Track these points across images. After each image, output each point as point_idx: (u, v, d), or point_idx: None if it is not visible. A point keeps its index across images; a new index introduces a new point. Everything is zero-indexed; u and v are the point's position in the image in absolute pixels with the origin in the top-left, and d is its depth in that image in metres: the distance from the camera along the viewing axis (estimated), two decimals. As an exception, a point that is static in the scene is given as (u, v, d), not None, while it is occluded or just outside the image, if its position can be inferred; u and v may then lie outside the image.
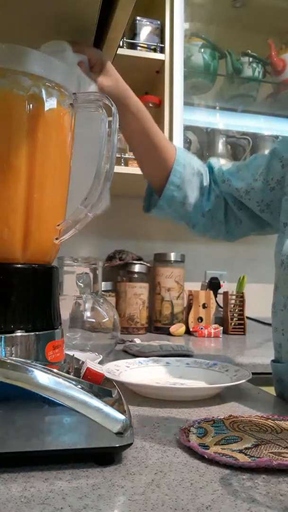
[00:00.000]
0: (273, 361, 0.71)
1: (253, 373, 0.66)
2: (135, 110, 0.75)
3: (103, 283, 1.49)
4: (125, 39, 1.41)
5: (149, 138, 0.77)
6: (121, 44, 1.37)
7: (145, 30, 1.45)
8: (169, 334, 1.47)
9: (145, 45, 1.44)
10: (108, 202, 0.60)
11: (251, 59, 1.61)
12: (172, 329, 1.47)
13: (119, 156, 1.39)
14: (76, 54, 0.61)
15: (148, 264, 1.55)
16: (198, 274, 1.72)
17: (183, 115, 1.41)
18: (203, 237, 0.88)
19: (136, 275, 1.50)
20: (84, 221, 0.45)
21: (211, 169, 0.84)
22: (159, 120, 1.46)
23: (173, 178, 0.78)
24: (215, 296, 1.61)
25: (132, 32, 1.46)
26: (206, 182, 0.82)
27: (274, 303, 0.68)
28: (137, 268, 1.51)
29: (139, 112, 0.76)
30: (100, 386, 0.42)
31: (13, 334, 0.41)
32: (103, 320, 0.92)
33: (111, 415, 0.38)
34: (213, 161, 0.85)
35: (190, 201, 0.80)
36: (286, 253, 0.65)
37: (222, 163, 0.88)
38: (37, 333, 0.42)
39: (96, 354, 0.77)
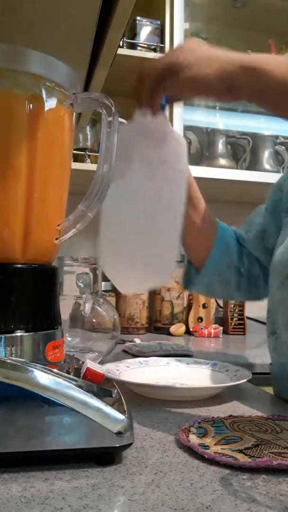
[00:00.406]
0: (270, 364, 0.71)
1: (253, 373, 0.66)
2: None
3: (103, 283, 1.49)
4: (125, 39, 1.41)
5: (197, 210, 0.77)
6: (121, 44, 1.37)
7: (145, 30, 1.45)
8: (169, 334, 1.47)
9: (145, 45, 1.44)
10: (174, 269, 0.63)
11: (251, 59, 1.61)
12: (172, 329, 1.47)
13: (119, 156, 1.39)
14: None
15: (148, 264, 1.54)
16: (198, 274, 1.72)
17: (183, 115, 1.41)
18: (249, 300, 0.88)
19: (136, 275, 1.50)
20: (84, 221, 0.45)
21: (234, 233, 0.86)
22: (159, 120, 1.46)
23: (219, 241, 0.79)
24: (215, 296, 1.61)
25: (132, 32, 1.46)
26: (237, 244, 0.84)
27: (270, 309, 0.68)
28: (137, 268, 1.51)
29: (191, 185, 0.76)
30: (100, 386, 0.42)
31: (13, 334, 0.41)
32: (103, 320, 0.92)
33: (111, 415, 0.38)
34: (232, 227, 0.87)
35: (233, 264, 0.81)
36: (275, 261, 0.67)
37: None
38: (37, 333, 0.42)
39: (96, 354, 0.77)
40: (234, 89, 0.54)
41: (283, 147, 1.67)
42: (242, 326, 1.55)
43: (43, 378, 0.37)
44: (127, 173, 0.60)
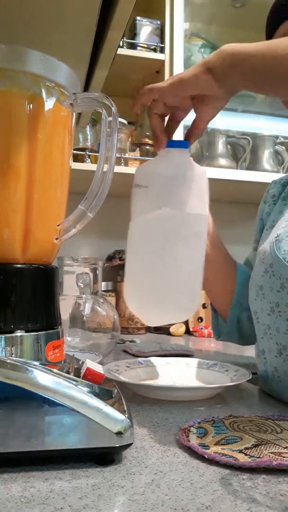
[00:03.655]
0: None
1: (253, 373, 0.66)
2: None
3: (103, 283, 1.49)
4: (125, 39, 1.41)
5: (215, 246, 0.78)
6: (121, 44, 1.37)
7: (145, 30, 1.45)
8: (169, 334, 1.47)
9: (145, 45, 1.44)
10: (199, 301, 0.65)
11: (251, 59, 1.61)
12: (172, 329, 1.47)
13: (119, 156, 1.39)
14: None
15: (148, 264, 1.54)
16: (198, 274, 1.72)
17: (183, 115, 1.41)
18: None
19: (136, 275, 1.50)
20: (84, 221, 0.45)
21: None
22: (159, 120, 1.46)
23: (241, 275, 0.79)
24: (215, 296, 1.60)
25: (132, 32, 1.46)
26: None
27: (256, 310, 0.68)
28: (137, 268, 1.51)
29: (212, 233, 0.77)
30: (100, 386, 0.42)
31: (13, 334, 0.41)
32: (103, 320, 0.92)
33: (111, 415, 0.38)
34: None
35: None
36: (252, 274, 0.69)
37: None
38: (37, 333, 0.42)
39: (96, 354, 0.77)
40: (221, 78, 0.56)
41: (283, 147, 1.67)
42: (242, 326, 1.55)
43: (43, 378, 0.37)
44: (148, 206, 0.61)
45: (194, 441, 0.41)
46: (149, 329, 1.55)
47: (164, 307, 0.63)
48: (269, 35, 0.77)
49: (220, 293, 0.81)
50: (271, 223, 0.75)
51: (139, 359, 0.76)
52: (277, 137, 1.64)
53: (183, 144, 0.63)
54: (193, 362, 0.76)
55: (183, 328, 1.47)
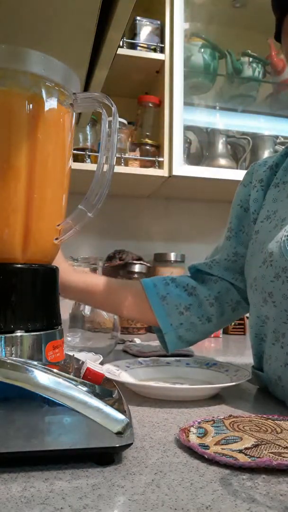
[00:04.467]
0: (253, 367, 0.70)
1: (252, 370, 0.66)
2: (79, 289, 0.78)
3: (103, 283, 1.49)
4: (125, 39, 1.41)
5: (108, 298, 0.80)
6: (121, 44, 1.37)
7: (145, 30, 1.45)
8: (169, 334, 1.46)
9: (145, 45, 1.44)
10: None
11: (251, 59, 1.61)
12: (172, 329, 1.46)
13: (119, 156, 1.39)
14: None
15: (148, 264, 1.54)
16: (198, 274, 1.72)
17: (183, 115, 1.41)
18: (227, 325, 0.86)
19: (136, 275, 1.50)
20: (84, 221, 0.45)
21: (193, 267, 0.82)
22: (159, 120, 1.46)
23: (153, 299, 0.77)
24: (215, 296, 1.60)
25: (132, 32, 1.46)
26: (188, 281, 0.80)
27: (267, 316, 0.64)
28: (137, 268, 1.51)
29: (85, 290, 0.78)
30: (100, 386, 0.42)
31: (13, 334, 0.41)
32: (103, 320, 0.92)
33: (111, 415, 0.38)
34: (193, 263, 0.84)
35: (182, 307, 0.77)
36: (252, 277, 0.65)
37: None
38: (37, 333, 0.42)
39: (96, 354, 0.77)
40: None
41: (283, 147, 1.67)
42: (242, 326, 1.55)
43: (43, 378, 0.37)
44: None
45: (194, 441, 0.41)
46: (149, 329, 1.55)
47: None
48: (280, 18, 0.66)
49: (147, 321, 0.81)
50: (265, 213, 0.68)
51: (139, 359, 0.76)
52: (277, 137, 1.64)
53: None
54: (193, 362, 0.76)
55: (183, 328, 1.47)
